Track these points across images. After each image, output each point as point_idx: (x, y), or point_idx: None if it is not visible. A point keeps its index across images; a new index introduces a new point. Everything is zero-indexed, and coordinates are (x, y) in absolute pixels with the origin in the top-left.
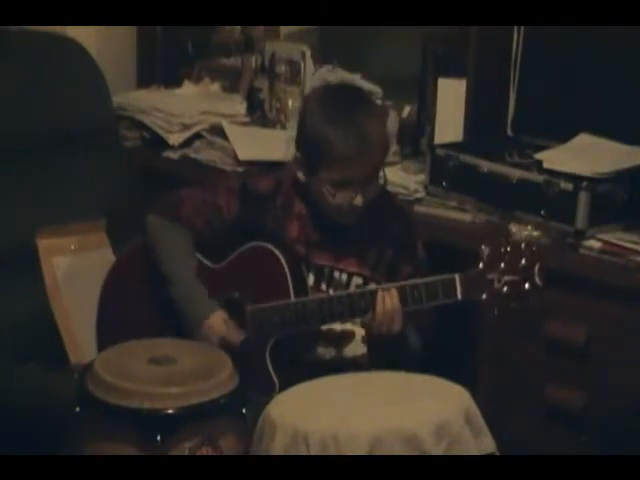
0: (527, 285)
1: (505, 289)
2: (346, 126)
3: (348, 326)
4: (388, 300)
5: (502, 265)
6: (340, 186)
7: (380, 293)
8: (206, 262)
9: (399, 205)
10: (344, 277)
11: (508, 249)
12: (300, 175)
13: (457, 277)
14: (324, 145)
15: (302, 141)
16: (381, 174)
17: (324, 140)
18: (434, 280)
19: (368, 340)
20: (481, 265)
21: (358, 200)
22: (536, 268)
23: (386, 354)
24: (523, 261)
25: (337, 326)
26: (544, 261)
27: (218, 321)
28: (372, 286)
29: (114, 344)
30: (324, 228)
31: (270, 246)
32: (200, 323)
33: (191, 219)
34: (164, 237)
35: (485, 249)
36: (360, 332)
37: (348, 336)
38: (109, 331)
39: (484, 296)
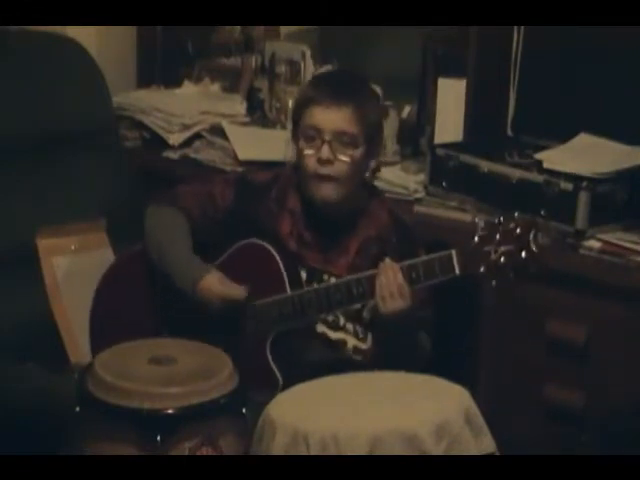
0: (524, 253)
1: (502, 259)
2: (325, 79)
3: (340, 335)
4: (390, 272)
5: (497, 236)
6: (310, 138)
7: (382, 265)
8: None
9: (398, 215)
10: (332, 280)
11: (502, 219)
12: (291, 146)
13: (454, 253)
14: (302, 93)
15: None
16: (371, 164)
17: (303, 89)
18: (431, 258)
19: (375, 327)
20: (476, 238)
21: (325, 151)
22: (531, 235)
23: (394, 348)
24: (518, 230)
25: (331, 333)
26: (538, 228)
27: (213, 281)
28: (369, 272)
29: (107, 346)
30: (315, 227)
31: (263, 242)
32: (195, 286)
33: (189, 209)
34: (160, 216)
35: (479, 222)
36: (352, 342)
37: (339, 345)
38: (102, 334)
39: (482, 269)
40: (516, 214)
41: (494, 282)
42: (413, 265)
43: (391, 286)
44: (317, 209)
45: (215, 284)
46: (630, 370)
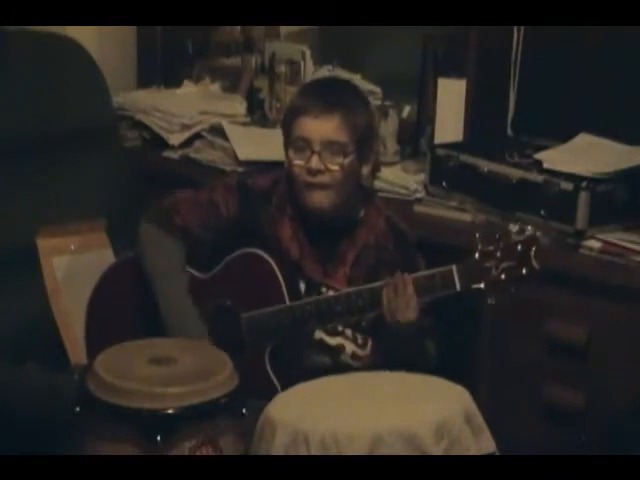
0: (524, 270)
1: (503, 276)
2: (312, 88)
3: (339, 340)
4: (400, 285)
5: (498, 253)
6: (300, 149)
7: (390, 279)
8: (195, 273)
9: (394, 222)
10: (331, 294)
11: (502, 235)
12: (285, 156)
13: (454, 268)
14: (291, 103)
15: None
16: (364, 170)
17: (292, 99)
18: (432, 273)
19: (381, 337)
20: (477, 254)
21: (314, 161)
22: (532, 252)
23: (401, 357)
24: (519, 247)
25: (329, 339)
26: (539, 244)
27: None
28: (372, 284)
29: (103, 347)
30: (312, 237)
31: (259, 251)
32: None
33: (187, 226)
34: (157, 251)
35: (480, 237)
36: (351, 347)
37: (338, 351)
38: (98, 335)
39: (482, 285)
40: (517, 228)
41: (493, 300)
42: (414, 279)
43: (400, 299)
44: (311, 218)
45: None
46: (630, 370)
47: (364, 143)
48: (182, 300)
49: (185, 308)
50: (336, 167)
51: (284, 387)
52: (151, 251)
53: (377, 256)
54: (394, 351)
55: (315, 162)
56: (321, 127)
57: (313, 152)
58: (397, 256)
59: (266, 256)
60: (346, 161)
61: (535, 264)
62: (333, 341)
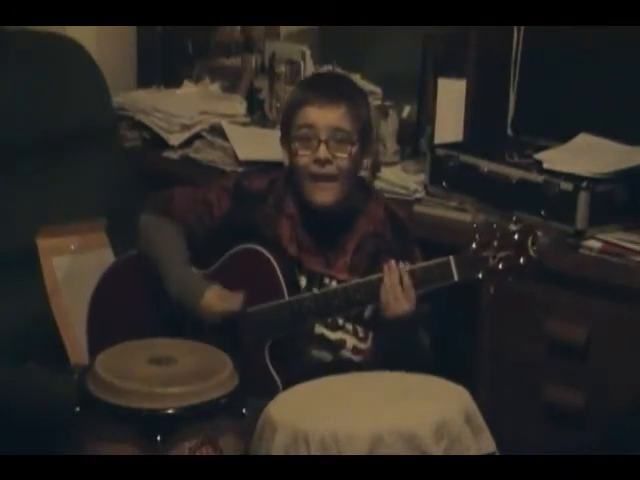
0: (522, 259)
1: (501, 265)
2: (314, 81)
3: (340, 334)
4: (394, 275)
5: (495, 242)
6: (304, 139)
7: (386, 268)
8: (194, 270)
9: (394, 210)
10: (334, 284)
11: (499, 225)
12: (284, 154)
13: (452, 259)
14: (292, 96)
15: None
16: (364, 163)
17: (293, 93)
18: (430, 264)
19: (376, 328)
20: (474, 244)
21: (322, 151)
22: (529, 241)
23: (395, 347)
24: (516, 236)
25: (330, 334)
26: (536, 233)
27: (212, 299)
28: (369, 277)
29: (104, 347)
30: (314, 230)
31: (259, 247)
32: (197, 307)
33: (183, 215)
34: (156, 232)
35: (477, 227)
36: (352, 341)
37: (339, 345)
38: (100, 335)
39: (480, 275)
40: (514, 218)
41: (492, 289)
42: (412, 271)
43: (395, 288)
44: (315, 212)
45: (214, 301)
46: (630, 370)
47: (366, 134)
48: (180, 267)
49: (184, 272)
50: (344, 155)
51: (284, 382)
52: (152, 236)
53: (376, 244)
54: (388, 344)
55: (323, 151)
56: (327, 116)
57: (320, 141)
58: (395, 243)
59: (264, 251)
60: (353, 150)
61: (533, 253)
62: (334, 336)
